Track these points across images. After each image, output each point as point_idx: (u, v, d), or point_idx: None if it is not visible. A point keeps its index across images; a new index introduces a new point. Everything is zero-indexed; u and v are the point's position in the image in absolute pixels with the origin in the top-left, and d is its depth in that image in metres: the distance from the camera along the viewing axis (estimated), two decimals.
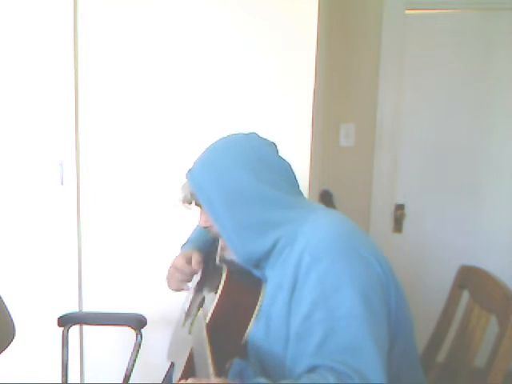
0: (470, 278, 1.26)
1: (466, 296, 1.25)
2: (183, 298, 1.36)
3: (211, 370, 0.77)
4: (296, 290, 0.92)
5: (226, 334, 0.99)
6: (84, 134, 1.73)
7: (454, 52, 2.28)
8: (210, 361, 0.79)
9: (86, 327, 1.83)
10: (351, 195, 2.37)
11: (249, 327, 0.97)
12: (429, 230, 2.39)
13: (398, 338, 0.96)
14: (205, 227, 1.09)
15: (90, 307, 1.81)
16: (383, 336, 0.88)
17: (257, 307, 0.98)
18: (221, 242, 1.10)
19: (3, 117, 1.75)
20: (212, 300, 1.03)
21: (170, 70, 1.66)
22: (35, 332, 1.81)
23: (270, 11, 1.57)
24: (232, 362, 0.96)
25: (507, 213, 2.32)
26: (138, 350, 1.46)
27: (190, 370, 0.99)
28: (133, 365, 1.46)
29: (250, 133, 1.08)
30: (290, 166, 1.06)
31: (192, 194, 1.04)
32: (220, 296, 1.00)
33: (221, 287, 1.01)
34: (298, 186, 1.07)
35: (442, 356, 1.27)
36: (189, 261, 1.18)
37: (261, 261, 1.00)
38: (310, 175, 1.60)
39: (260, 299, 0.99)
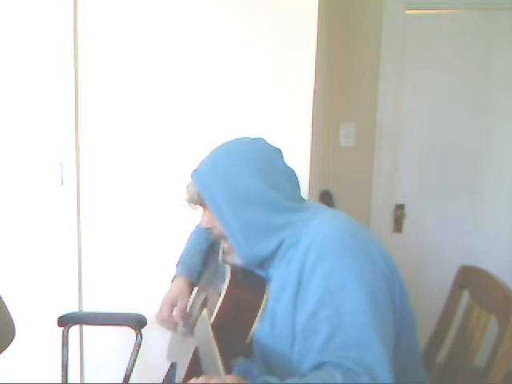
0: (470, 278, 1.26)
1: (466, 296, 1.25)
2: None
3: (221, 367, 0.78)
4: (301, 287, 0.92)
5: (231, 332, 0.99)
6: (84, 134, 1.73)
7: (454, 52, 2.28)
8: (218, 359, 0.80)
9: (86, 327, 1.83)
10: (351, 195, 2.37)
11: (253, 326, 0.98)
12: (429, 230, 2.39)
13: (403, 335, 0.97)
14: (207, 228, 1.09)
15: (90, 307, 1.81)
16: (388, 332, 0.89)
17: (261, 306, 0.99)
18: (222, 246, 1.10)
19: (3, 117, 1.75)
20: (216, 299, 1.03)
21: (170, 70, 1.66)
22: (35, 332, 1.81)
23: (270, 11, 1.57)
24: (235, 361, 0.96)
25: (507, 213, 2.33)
26: (137, 350, 1.46)
27: (194, 370, 1.00)
28: (133, 365, 1.46)
29: (257, 138, 1.08)
30: (294, 173, 1.06)
31: (197, 194, 1.04)
32: (225, 295, 1.00)
33: (225, 287, 1.01)
34: (300, 193, 1.08)
35: (442, 356, 1.27)
36: (172, 309, 1.18)
37: (265, 261, 1.01)
38: (310, 175, 1.60)
39: (264, 298, 0.99)
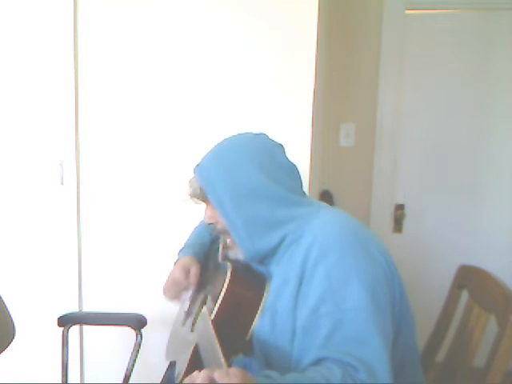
0: (470, 278, 1.26)
1: (465, 296, 1.25)
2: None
3: (223, 362, 0.78)
4: (303, 284, 0.93)
5: (232, 329, 1.00)
6: (84, 134, 1.73)
7: (454, 52, 2.28)
8: (220, 354, 0.80)
9: (86, 327, 1.83)
10: (351, 195, 2.37)
11: (254, 322, 0.99)
12: (429, 230, 2.39)
13: (401, 331, 0.98)
14: (209, 223, 1.09)
15: (90, 307, 1.81)
16: (388, 329, 0.90)
17: (262, 302, 0.99)
18: (223, 241, 1.10)
19: (3, 117, 1.76)
20: (216, 297, 1.03)
21: (170, 70, 1.66)
22: (35, 332, 1.81)
23: (270, 11, 1.58)
24: (233, 358, 0.96)
25: (507, 213, 2.32)
26: (137, 350, 1.46)
27: (194, 366, 1.00)
28: (133, 365, 1.46)
29: (260, 133, 1.09)
30: (296, 168, 1.07)
31: (200, 189, 1.05)
32: (225, 292, 1.01)
33: (226, 283, 1.02)
34: (302, 188, 1.08)
35: (441, 355, 1.27)
36: (187, 273, 1.18)
37: (267, 257, 1.01)
38: (310, 175, 1.60)
39: (265, 294, 1.00)
